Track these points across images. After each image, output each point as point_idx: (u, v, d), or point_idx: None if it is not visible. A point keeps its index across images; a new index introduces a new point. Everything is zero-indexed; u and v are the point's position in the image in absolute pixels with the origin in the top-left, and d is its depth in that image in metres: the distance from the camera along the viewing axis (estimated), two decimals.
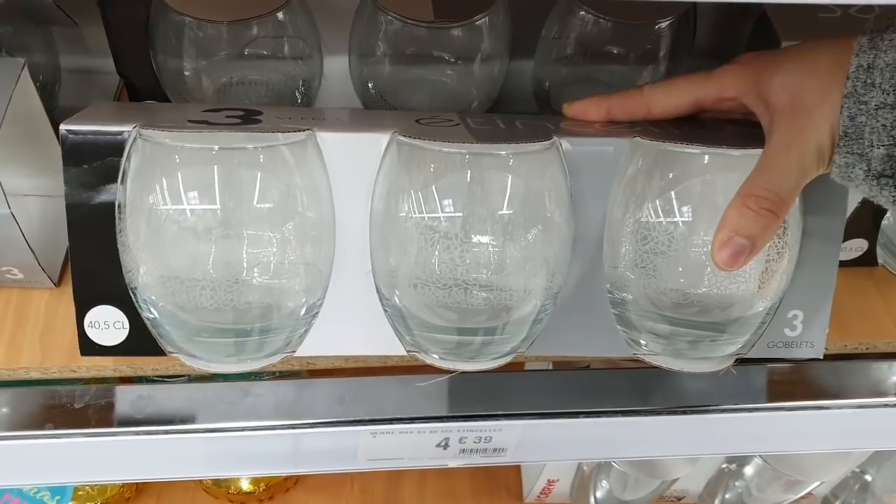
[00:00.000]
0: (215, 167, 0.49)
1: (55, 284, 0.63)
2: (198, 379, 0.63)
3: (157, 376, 0.62)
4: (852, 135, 0.45)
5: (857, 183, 0.47)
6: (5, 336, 0.60)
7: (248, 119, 0.54)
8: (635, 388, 0.67)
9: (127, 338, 0.56)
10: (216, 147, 0.49)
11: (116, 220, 0.52)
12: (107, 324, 0.56)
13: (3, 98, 0.54)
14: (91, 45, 0.71)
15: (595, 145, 0.55)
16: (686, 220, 0.54)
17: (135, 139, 0.50)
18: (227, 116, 0.54)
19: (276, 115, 0.56)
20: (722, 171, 0.53)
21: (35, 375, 0.59)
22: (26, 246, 0.57)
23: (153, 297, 0.52)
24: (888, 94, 0.44)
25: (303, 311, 0.54)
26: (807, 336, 0.61)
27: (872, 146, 0.45)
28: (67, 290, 0.61)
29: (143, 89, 0.71)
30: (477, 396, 0.63)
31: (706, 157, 0.53)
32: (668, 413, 0.66)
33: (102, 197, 0.52)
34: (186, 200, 0.50)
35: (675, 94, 0.55)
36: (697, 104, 0.55)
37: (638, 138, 0.54)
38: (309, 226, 0.53)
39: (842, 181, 0.48)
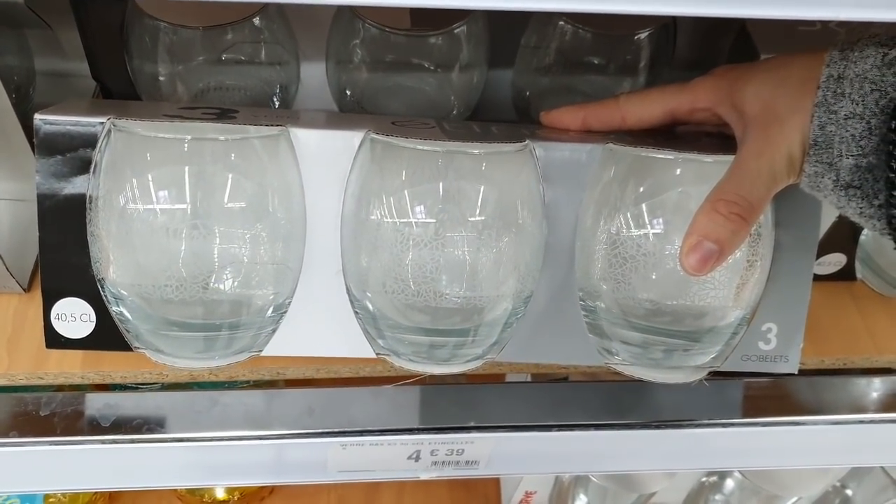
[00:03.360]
0: (187, 159, 0.49)
1: (24, 290, 0.62)
2: (166, 387, 0.62)
3: (126, 383, 0.61)
4: (822, 144, 0.46)
5: (825, 193, 0.47)
6: None
7: (223, 116, 0.54)
8: (612, 402, 0.66)
9: (94, 331, 0.56)
10: (188, 137, 0.49)
11: (87, 211, 0.51)
12: (73, 316, 0.55)
13: None
14: (67, 48, 0.70)
15: (568, 151, 0.55)
16: (658, 228, 0.53)
17: (108, 130, 0.50)
18: (204, 113, 0.54)
19: (251, 113, 0.56)
20: (695, 178, 0.52)
21: (1, 382, 0.58)
22: None
23: (121, 291, 0.52)
24: (857, 105, 0.44)
25: (270, 310, 0.54)
26: (781, 350, 0.61)
27: (841, 156, 0.45)
28: (36, 295, 0.60)
29: (119, 94, 0.71)
30: (449, 408, 0.63)
31: (679, 163, 0.53)
32: (644, 427, 0.66)
33: (74, 189, 0.52)
34: (157, 193, 0.49)
35: (650, 104, 0.55)
36: (672, 114, 0.55)
37: (611, 145, 0.54)
38: (280, 222, 0.53)
39: (811, 191, 0.48)
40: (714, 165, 0.51)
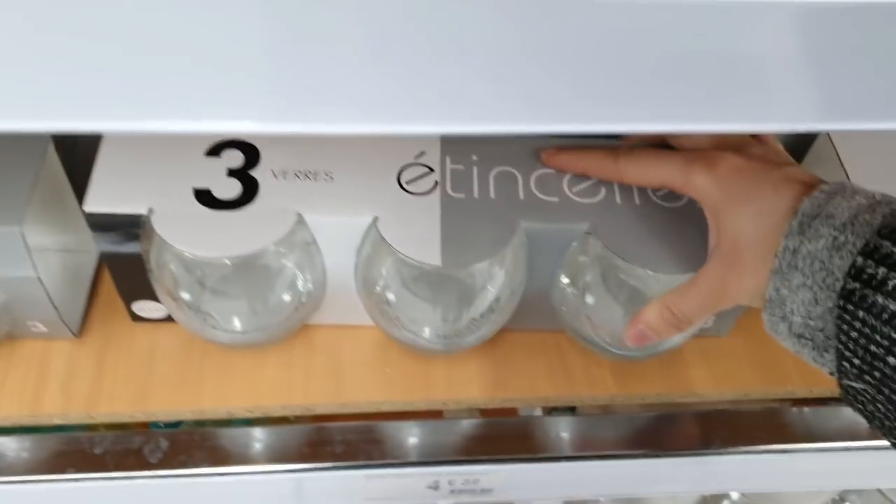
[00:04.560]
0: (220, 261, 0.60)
1: (75, 335, 0.67)
2: (204, 424, 0.67)
3: (168, 422, 0.67)
4: (776, 301, 0.50)
5: (782, 337, 0.52)
6: (30, 384, 0.64)
7: (246, 180, 0.59)
8: (619, 433, 0.71)
9: (167, 315, 0.67)
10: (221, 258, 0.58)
11: (146, 265, 0.60)
12: (149, 308, 0.66)
13: (30, 175, 0.59)
14: None
15: (555, 233, 0.60)
16: (623, 309, 0.63)
17: (147, 226, 0.57)
18: (230, 173, 0.59)
19: (272, 167, 0.60)
20: (662, 287, 0.58)
21: (57, 422, 0.63)
22: (50, 304, 0.61)
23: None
24: (807, 278, 0.48)
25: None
26: (715, 330, 0.70)
27: (793, 313, 0.50)
28: (87, 339, 0.66)
29: None
30: (466, 442, 0.67)
31: (648, 275, 0.59)
32: (649, 457, 0.70)
33: (130, 248, 0.59)
34: (199, 278, 0.61)
35: (647, 172, 0.58)
36: (666, 186, 0.58)
37: (590, 237, 0.59)
38: (307, 290, 0.63)
39: (769, 331, 0.53)
40: (685, 279, 0.56)
